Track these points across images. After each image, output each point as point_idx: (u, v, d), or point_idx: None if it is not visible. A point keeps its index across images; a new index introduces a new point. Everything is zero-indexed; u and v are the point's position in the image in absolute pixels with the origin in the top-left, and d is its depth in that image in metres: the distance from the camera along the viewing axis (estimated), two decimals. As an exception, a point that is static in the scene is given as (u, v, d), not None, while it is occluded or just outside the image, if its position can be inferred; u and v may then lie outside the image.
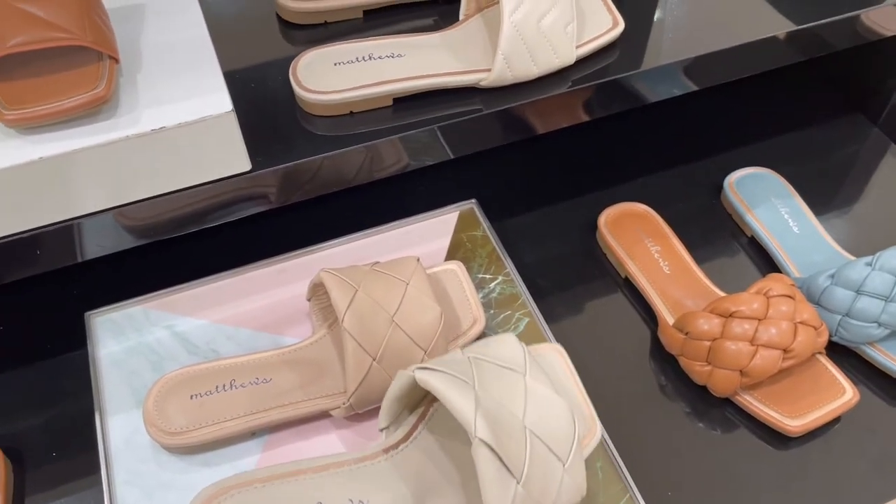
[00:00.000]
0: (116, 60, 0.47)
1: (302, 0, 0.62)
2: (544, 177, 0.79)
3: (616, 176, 0.78)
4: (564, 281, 0.70)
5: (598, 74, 0.60)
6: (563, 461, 0.43)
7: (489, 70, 0.57)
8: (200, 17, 0.54)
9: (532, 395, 0.44)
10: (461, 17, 0.62)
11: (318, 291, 0.57)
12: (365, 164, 0.59)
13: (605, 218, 0.71)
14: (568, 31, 0.58)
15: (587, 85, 0.60)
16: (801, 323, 0.57)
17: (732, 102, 0.86)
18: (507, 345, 0.48)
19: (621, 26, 0.61)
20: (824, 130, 0.83)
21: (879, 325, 0.59)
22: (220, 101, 0.48)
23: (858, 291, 0.60)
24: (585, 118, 0.63)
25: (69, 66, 0.46)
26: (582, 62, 0.61)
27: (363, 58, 0.58)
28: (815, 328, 0.58)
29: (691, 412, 0.61)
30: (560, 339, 0.65)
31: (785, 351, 0.56)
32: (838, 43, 0.68)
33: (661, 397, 0.62)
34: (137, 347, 0.58)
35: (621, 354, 0.64)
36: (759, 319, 0.57)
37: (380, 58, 0.58)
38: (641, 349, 0.65)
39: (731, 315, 0.57)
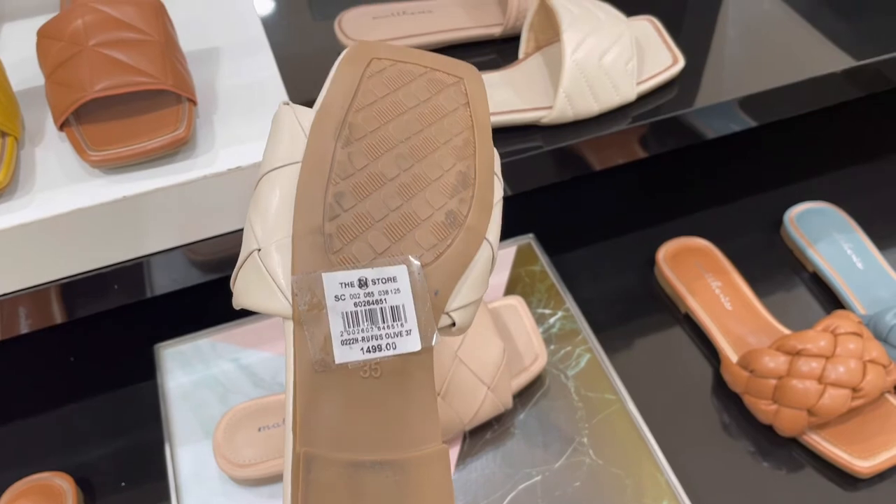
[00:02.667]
0: (194, 103, 0.49)
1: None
2: (602, 211, 0.79)
3: (674, 211, 0.78)
4: (623, 317, 0.69)
5: (656, 111, 0.60)
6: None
7: (550, 108, 0.58)
8: (271, 59, 0.56)
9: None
10: (521, 55, 0.63)
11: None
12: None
13: (664, 253, 0.71)
14: (629, 68, 0.59)
15: (646, 122, 0.60)
16: (870, 361, 0.56)
17: (793, 136, 0.85)
18: None
19: (681, 63, 0.61)
20: (886, 164, 0.82)
21: (952, 364, 0.58)
22: (292, 141, 0.50)
23: (929, 329, 0.58)
24: (643, 154, 0.64)
25: (151, 108, 0.48)
26: (641, 99, 0.61)
27: (427, 97, 0.59)
28: (885, 366, 0.57)
29: (756, 451, 0.60)
30: (621, 374, 0.65)
31: (854, 390, 0.55)
32: None
33: (724, 436, 0.61)
34: (205, 380, 0.59)
35: (683, 391, 0.64)
36: (827, 357, 0.56)
37: (443, 97, 0.59)
38: (704, 386, 0.64)
39: (797, 353, 0.57)
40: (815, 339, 0.57)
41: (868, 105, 0.84)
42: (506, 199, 0.64)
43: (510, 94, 0.60)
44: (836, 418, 0.57)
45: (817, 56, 0.64)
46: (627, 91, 0.59)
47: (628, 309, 0.70)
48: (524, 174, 0.60)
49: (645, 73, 0.61)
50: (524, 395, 0.57)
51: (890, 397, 0.59)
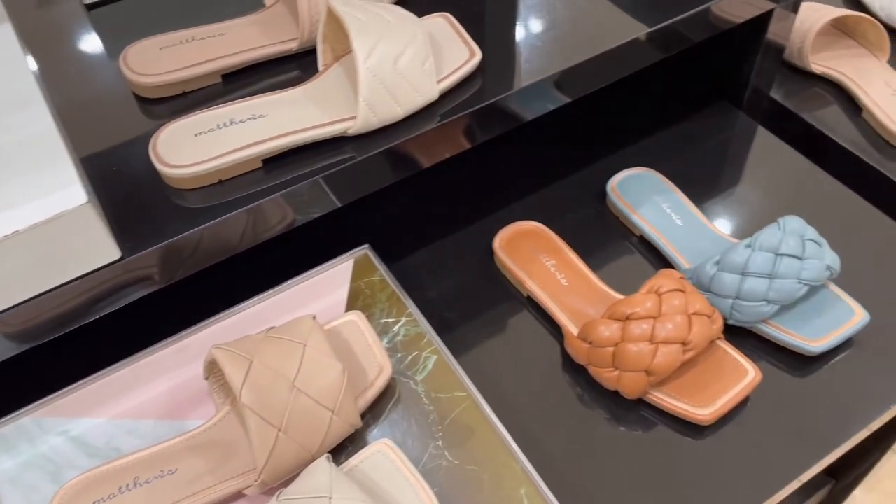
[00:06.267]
0: (-45, 169, 0.45)
1: (153, 74, 0.60)
2: (436, 208, 0.80)
3: (505, 197, 0.79)
4: (471, 309, 0.70)
5: (466, 104, 0.61)
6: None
7: (354, 117, 0.57)
8: (45, 110, 0.52)
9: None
10: (320, 67, 0.62)
11: (213, 369, 0.55)
12: (248, 228, 0.58)
13: (499, 241, 0.72)
14: (426, 68, 0.59)
15: (458, 116, 0.60)
16: (694, 314, 0.59)
17: (606, 108, 0.88)
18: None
19: (478, 56, 0.62)
20: (695, 122, 0.86)
21: (768, 302, 0.62)
22: (74, 194, 0.47)
23: (744, 273, 0.62)
24: (465, 146, 0.64)
25: None
26: (448, 94, 0.62)
27: (224, 124, 0.57)
28: (709, 316, 0.60)
29: (610, 417, 0.62)
30: (471, 367, 0.65)
31: (683, 344, 0.58)
32: (695, 35, 0.71)
33: (578, 408, 0.63)
34: (33, 460, 0.55)
35: (534, 372, 0.65)
36: (655, 317, 0.58)
37: (241, 121, 0.57)
38: (553, 364, 0.65)
39: (627, 318, 0.59)
40: (642, 301, 0.59)
41: (671, 66, 0.88)
42: (339, 212, 0.63)
43: (313, 109, 0.59)
44: (674, 373, 0.60)
45: (616, 27, 0.66)
46: (429, 91, 0.59)
47: (474, 301, 0.71)
48: (345, 186, 0.59)
49: (445, 70, 0.61)
50: (375, 409, 0.57)
51: (721, 344, 0.63)
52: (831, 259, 0.63)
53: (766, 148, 0.82)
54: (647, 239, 0.72)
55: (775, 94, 0.90)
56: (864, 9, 0.99)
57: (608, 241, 0.74)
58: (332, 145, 0.58)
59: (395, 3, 0.69)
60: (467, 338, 0.67)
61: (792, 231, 0.63)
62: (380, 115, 0.57)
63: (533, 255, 0.71)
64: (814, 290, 0.65)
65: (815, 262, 0.62)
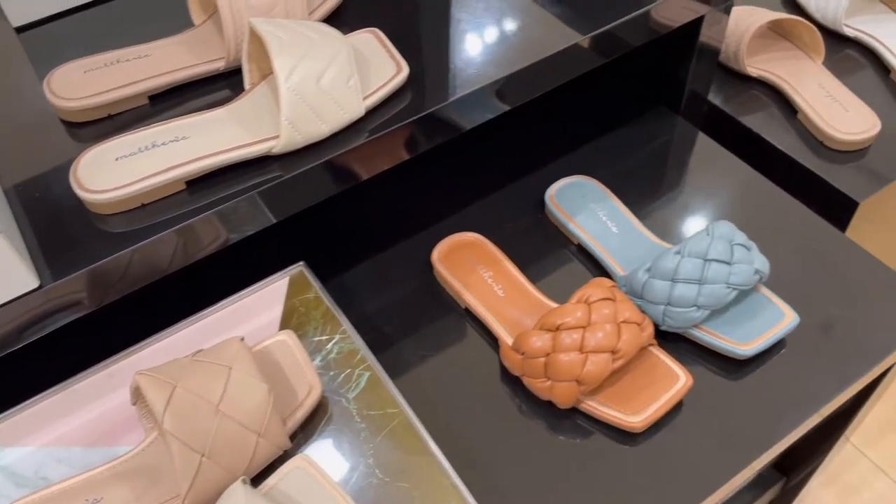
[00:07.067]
0: None
1: (77, 98, 0.60)
2: (377, 221, 0.80)
3: (445, 208, 0.79)
4: (410, 323, 0.70)
5: (396, 118, 0.61)
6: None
7: (278, 137, 0.57)
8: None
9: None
10: (246, 86, 0.62)
11: (140, 394, 0.55)
12: (178, 250, 0.58)
13: (438, 253, 0.72)
14: (351, 85, 0.59)
15: (387, 131, 0.61)
16: (623, 322, 0.59)
17: (546, 117, 0.89)
18: None
19: (405, 70, 0.62)
20: (634, 128, 0.87)
21: (699, 307, 0.62)
22: (-17, 225, 0.46)
23: (674, 280, 0.63)
24: (400, 159, 0.64)
25: None
26: (377, 109, 0.62)
27: (145, 147, 0.56)
28: (638, 324, 0.60)
29: (547, 427, 0.62)
30: (408, 382, 0.65)
31: (613, 352, 0.58)
32: (632, 40, 0.71)
33: (515, 420, 0.63)
34: (-41, 493, 0.54)
35: (471, 385, 0.65)
36: (584, 327, 0.59)
37: (163, 144, 0.57)
38: (491, 376, 0.66)
39: (557, 328, 0.59)
40: (572, 311, 0.59)
41: (610, 72, 0.89)
42: (274, 229, 0.63)
43: (237, 129, 0.59)
44: (607, 381, 0.60)
45: (550, 35, 0.66)
46: (355, 108, 0.59)
47: (414, 315, 0.71)
48: (273, 204, 0.59)
49: (372, 86, 0.61)
50: (307, 429, 0.56)
51: (654, 350, 0.63)
52: (760, 263, 0.64)
53: (705, 153, 0.83)
54: (584, 247, 0.73)
55: (714, 98, 0.91)
56: (801, 10, 1.01)
57: (547, 251, 0.75)
58: (259, 164, 0.58)
59: (324, 20, 0.69)
60: (405, 352, 0.68)
61: (720, 236, 0.63)
62: (304, 133, 0.57)
63: (471, 266, 0.71)
64: (745, 293, 0.65)
65: (744, 266, 0.63)
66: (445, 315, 0.70)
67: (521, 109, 0.70)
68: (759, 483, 0.94)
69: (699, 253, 0.63)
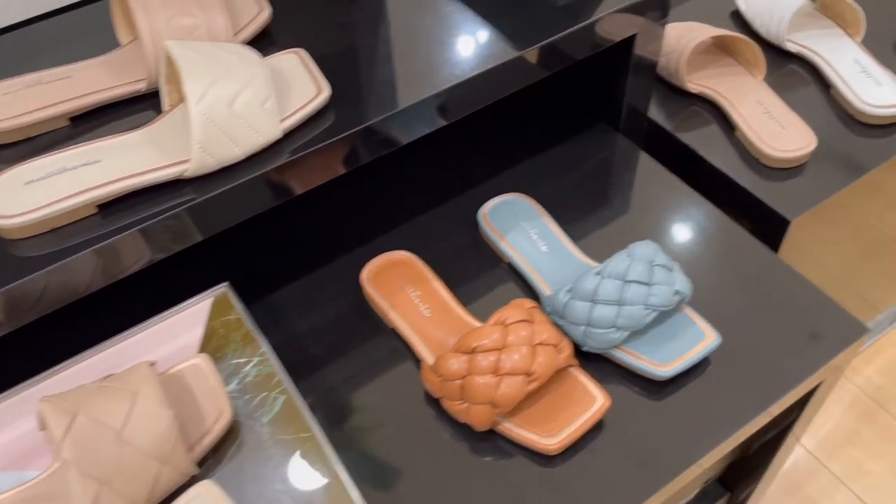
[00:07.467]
0: None
1: (-9, 121, 0.60)
2: (309, 240, 0.80)
3: (378, 227, 0.79)
4: (337, 344, 0.70)
5: (316, 140, 0.61)
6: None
7: (190, 160, 0.57)
8: None
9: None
10: (164, 108, 0.62)
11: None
12: (96, 271, 0.58)
13: (367, 272, 0.72)
14: (266, 107, 0.59)
15: (305, 153, 0.61)
16: (539, 344, 0.59)
17: (485, 133, 0.89)
18: None
19: (326, 92, 0.62)
20: (574, 145, 0.87)
21: (618, 328, 0.62)
22: None
23: (593, 301, 0.63)
24: (327, 178, 0.64)
25: None
26: (298, 131, 0.62)
27: (56, 171, 0.56)
28: (555, 346, 0.60)
29: (468, 450, 0.62)
30: (329, 404, 0.65)
31: (527, 374, 0.58)
32: (574, 53, 0.71)
33: (435, 443, 0.63)
34: None
35: (394, 408, 0.65)
36: (500, 349, 0.59)
37: (74, 168, 0.57)
38: (415, 399, 0.65)
39: (473, 350, 0.59)
40: (489, 333, 0.59)
41: (549, 88, 0.89)
42: (200, 249, 0.63)
43: (150, 153, 0.58)
44: (525, 402, 0.61)
45: (489, 49, 0.67)
46: (270, 131, 0.59)
47: (342, 335, 0.71)
48: (199, 225, 0.59)
49: (290, 108, 0.61)
50: (218, 453, 0.56)
51: (574, 371, 0.63)
52: (681, 284, 0.64)
53: (642, 170, 0.84)
54: (514, 266, 0.73)
55: (656, 115, 0.92)
56: (747, 26, 1.01)
57: (480, 270, 0.75)
58: (173, 188, 0.58)
59: (253, 40, 0.69)
60: (329, 374, 0.67)
61: (641, 257, 0.64)
62: (217, 156, 0.57)
63: (400, 285, 0.71)
64: (667, 314, 0.66)
65: (664, 287, 0.63)
66: (374, 335, 0.70)
67: (459, 124, 0.70)
68: (702, 499, 0.94)
69: (619, 274, 0.63)
